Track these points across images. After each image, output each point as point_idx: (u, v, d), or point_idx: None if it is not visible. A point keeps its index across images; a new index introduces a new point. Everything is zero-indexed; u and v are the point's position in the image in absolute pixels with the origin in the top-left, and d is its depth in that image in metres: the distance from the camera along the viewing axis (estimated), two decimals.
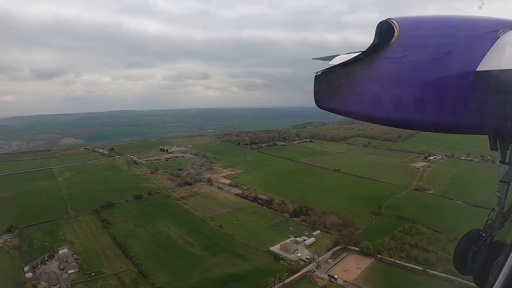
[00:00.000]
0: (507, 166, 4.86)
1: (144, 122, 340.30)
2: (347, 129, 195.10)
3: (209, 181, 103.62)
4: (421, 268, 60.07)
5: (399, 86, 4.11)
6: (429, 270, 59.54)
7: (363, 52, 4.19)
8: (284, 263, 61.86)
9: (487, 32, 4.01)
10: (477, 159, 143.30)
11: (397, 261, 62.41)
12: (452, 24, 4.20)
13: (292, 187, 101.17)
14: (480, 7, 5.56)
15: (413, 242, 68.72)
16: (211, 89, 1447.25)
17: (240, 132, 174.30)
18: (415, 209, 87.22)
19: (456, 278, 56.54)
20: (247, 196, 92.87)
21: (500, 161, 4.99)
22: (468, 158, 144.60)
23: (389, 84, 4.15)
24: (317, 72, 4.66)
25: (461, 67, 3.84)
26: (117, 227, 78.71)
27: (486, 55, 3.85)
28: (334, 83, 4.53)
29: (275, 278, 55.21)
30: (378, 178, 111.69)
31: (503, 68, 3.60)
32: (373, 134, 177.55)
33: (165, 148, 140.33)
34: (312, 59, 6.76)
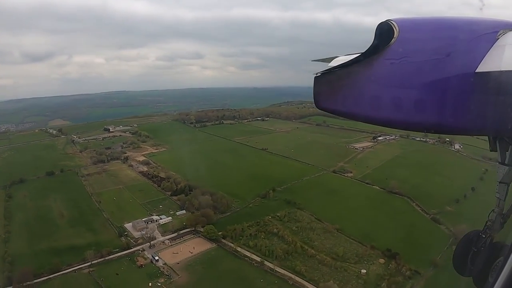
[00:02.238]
0: (506, 167, 4.90)
1: (136, 103, 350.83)
2: (313, 108, 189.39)
3: (125, 159, 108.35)
4: (259, 260, 57.65)
5: (399, 87, 4.20)
6: (268, 263, 56.95)
7: (362, 53, 4.30)
8: (124, 240, 64.50)
9: (486, 34, 4.06)
10: (433, 141, 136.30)
11: (238, 248, 60.86)
12: (452, 26, 4.26)
13: (201, 166, 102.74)
14: (481, 9, 5.54)
15: (275, 230, 67.17)
16: (207, 69, 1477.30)
17: (191, 111, 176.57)
18: (315, 193, 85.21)
19: (293, 276, 54.46)
20: (148, 174, 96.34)
21: (499, 162, 5.01)
22: (423, 139, 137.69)
23: (389, 86, 4.24)
24: (317, 73, 4.75)
25: (460, 69, 3.91)
26: (15, 201, 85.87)
27: (486, 56, 3.91)
28: (334, 85, 4.64)
29: (96, 252, 59.00)
30: (303, 159, 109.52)
31: (502, 69, 3.68)
32: None
33: (108, 128, 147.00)
34: (312, 60, 6.94)
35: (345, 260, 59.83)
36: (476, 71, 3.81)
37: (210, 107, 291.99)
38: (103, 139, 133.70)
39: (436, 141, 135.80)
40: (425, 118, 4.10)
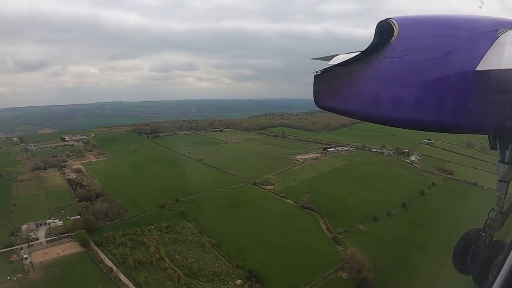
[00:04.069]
0: (506, 166, 5.26)
1: (129, 113, 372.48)
2: (282, 119, 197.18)
3: (61, 167, 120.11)
4: (110, 268, 62.08)
5: (398, 85, 4.45)
6: (116, 273, 60.72)
7: (362, 51, 4.57)
8: (13, 238, 73.10)
9: (486, 32, 4.32)
10: (389, 152, 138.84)
11: (100, 254, 66.70)
12: (452, 24, 4.50)
13: (124, 175, 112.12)
14: (480, 7, 5.88)
15: (145, 240, 71.15)
16: (203, 81, 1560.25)
17: (152, 122, 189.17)
18: (217, 206, 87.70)
19: (131, 287, 57.13)
20: (73, 181, 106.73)
21: (499, 161, 5.36)
22: (379, 151, 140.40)
23: (388, 84, 4.50)
24: (316, 72, 5.02)
25: (460, 67, 4.14)
26: None
27: (486, 54, 4.14)
28: (334, 83, 4.90)
29: None
30: (232, 170, 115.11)
31: (502, 67, 3.89)
32: (298, 125, 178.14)
33: (64, 137, 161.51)
34: (312, 59, 7.42)
35: (197, 277, 60.60)
36: (476, 69, 4.04)
37: (200, 118, 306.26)
38: (54, 148, 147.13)
39: (393, 153, 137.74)
40: (424, 116, 4.31)
